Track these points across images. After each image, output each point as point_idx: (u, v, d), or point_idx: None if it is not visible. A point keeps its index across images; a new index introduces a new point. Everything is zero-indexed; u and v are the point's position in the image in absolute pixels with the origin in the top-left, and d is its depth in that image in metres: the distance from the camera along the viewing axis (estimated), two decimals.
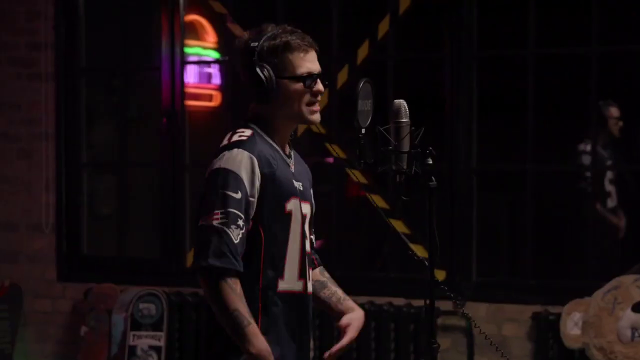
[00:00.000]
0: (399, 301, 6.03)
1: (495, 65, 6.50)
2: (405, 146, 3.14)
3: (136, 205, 7.33)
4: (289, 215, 3.08)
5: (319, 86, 3.13)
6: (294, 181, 3.12)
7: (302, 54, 3.08)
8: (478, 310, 5.87)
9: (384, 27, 6.14)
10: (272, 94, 3.05)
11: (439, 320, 5.92)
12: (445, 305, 5.97)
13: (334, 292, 3.29)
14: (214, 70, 8.07)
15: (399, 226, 6.12)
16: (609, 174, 7.05)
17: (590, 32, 5.75)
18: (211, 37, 7.97)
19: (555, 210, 7.26)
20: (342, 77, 6.24)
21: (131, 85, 7.41)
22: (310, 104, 3.12)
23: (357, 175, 5.90)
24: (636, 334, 5.09)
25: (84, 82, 6.86)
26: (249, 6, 6.63)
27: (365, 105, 3.19)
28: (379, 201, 6.07)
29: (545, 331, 5.70)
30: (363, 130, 3.16)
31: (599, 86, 5.81)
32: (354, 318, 3.24)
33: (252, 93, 3.08)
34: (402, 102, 3.16)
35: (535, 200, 5.98)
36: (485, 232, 6.24)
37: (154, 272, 6.56)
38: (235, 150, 2.99)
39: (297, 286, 3.10)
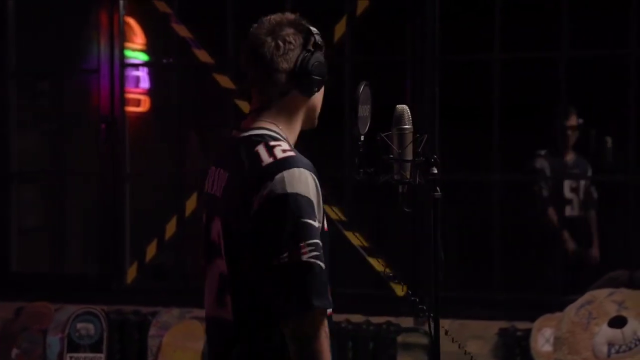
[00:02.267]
0: (357, 318, 5.95)
1: (459, 70, 6.47)
2: (408, 154, 3.07)
3: (68, 217, 7.13)
4: (327, 234, 2.85)
5: None
6: None
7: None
8: (440, 327, 5.80)
9: (340, 28, 6.07)
10: (320, 85, 2.87)
11: (400, 338, 5.86)
12: (406, 322, 5.92)
13: None
14: (143, 73, 7.91)
15: (356, 240, 6.05)
16: (571, 182, 7.07)
17: (559, 37, 5.76)
18: (140, 38, 7.81)
19: (518, 220, 7.26)
20: None
21: (59, 89, 7.20)
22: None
23: None
24: (613, 350, 5.08)
25: (13, 87, 6.66)
26: (195, 6, 6.48)
27: (364, 110, 3.09)
28: (331, 213, 5.99)
29: (513, 348, 5.67)
30: (362, 138, 3.07)
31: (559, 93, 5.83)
32: None
33: (293, 83, 2.81)
34: (404, 108, 3.08)
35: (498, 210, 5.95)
36: (449, 244, 6.20)
37: (92, 289, 6.39)
38: (296, 170, 2.70)
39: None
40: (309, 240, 2.64)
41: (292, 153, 2.74)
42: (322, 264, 2.65)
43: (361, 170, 3.08)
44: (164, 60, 6.71)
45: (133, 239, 6.48)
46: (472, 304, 5.91)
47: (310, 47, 2.83)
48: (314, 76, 2.83)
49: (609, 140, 8.35)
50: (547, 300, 5.82)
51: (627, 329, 5.08)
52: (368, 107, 3.09)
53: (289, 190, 2.66)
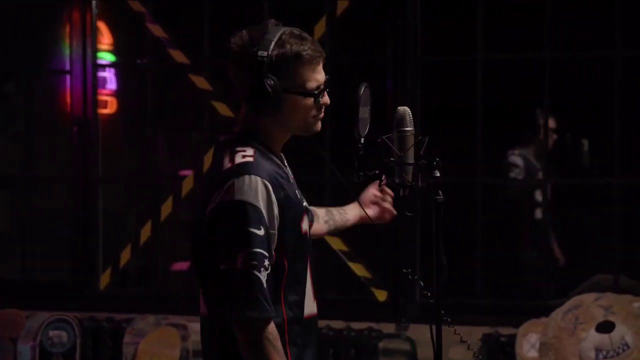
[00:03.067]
0: (338, 324, 5.92)
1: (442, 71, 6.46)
2: (410, 157, 3.04)
3: (38, 222, 7.05)
4: (304, 236, 2.93)
5: (326, 99, 2.98)
6: (297, 193, 2.97)
7: (313, 66, 2.90)
8: (423, 333, 5.77)
9: (320, 28, 6.04)
10: (277, 107, 2.87)
11: (381, 344, 5.84)
12: (387, 328, 5.90)
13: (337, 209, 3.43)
14: (110, 74, 7.83)
15: (336, 244, 6.02)
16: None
17: (542, 38, 5.77)
18: (106, 38, 7.73)
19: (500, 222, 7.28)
20: None
21: (28, 91, 7.12)
22: (315, 116, 2.97)
23: None
24: (600, 356, 5.08)
25: None
26: (170, 6, 6.43)
27: (365, 112, 3.08)
28: None
29: (497, 354, 5.66)
30: (362, 140, 3.05)
31: (535, 95, 5.84)
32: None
33: (251, 104, 2.87)
34: (406, 109, 3.05)
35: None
36: (429, 249, 6.17)
37: (64, 296, 6.31)
38: (247, 177, 2.77)
39: (314, 308, 2.98)
40: (248, 249, 2.71)
41: (250, 159, 2.80)
42: (258, 274, 2.72)
43: (361, 174, 3.06)
44: (138, 61, 6.62)
45: (105, 244, 6.41)
46: (455, 309, 5.87)
47: (262, 71, 2.81)
48: (261, 102, 2.83)
49: (585, 143, 8.37)
50: (531, 306, 5.82)
51: (615, 334, 5.09)
52: (368, 108, 3.09)
53: (237, 197, 2.75)
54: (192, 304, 6.20)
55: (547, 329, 5.30)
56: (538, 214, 7.07)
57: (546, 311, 5.59)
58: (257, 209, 2.75)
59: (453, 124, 6.72)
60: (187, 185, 6.26)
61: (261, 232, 2.74)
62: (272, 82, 2.81)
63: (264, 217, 2.76)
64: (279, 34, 2.85)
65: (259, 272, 2.72)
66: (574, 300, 5.36)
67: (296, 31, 2.91)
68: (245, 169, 2.78)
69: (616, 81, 5.74)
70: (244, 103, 2.91)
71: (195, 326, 5.90)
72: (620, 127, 5.77)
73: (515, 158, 7.15)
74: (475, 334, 5.74)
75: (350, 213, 3.44)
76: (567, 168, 7.79)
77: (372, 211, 3.42)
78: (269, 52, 2.81)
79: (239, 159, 2.81)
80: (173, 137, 7.91)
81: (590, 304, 5.26)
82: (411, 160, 3.03)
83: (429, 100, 5.94)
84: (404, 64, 5.86)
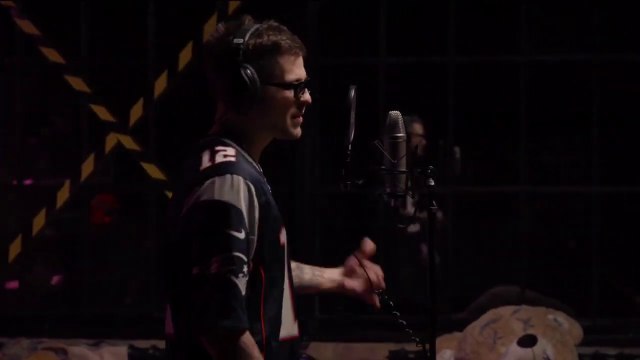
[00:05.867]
0: None
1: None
2: (402, 165, 2.98)
3: None
4: (283, 248, 2.83)
5: (307, 96, 2.90)
6: (277, 205, 2.88)
7: (292, 58, 2.84)
8: (324, 351, 5.76)
9: (210, 27, 5.94)
10: (254, 101, 2.79)
11: None
12: None
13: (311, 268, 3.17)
14: None
15: None
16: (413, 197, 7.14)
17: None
18: None
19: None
20: (161, 84, 5.96)
21: None
22: (295, 115, 2.89)
23: None
24: None
25: None
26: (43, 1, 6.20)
27: (352, 117, 3.01)
28: None
29: None
30: (349, 147, 2.98)
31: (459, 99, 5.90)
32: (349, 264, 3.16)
33: (227, 100, 2.81)
34: (399, 114, 3.00)
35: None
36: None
37: None
38: (229, 176, 2.69)
39: (294, 330, 2.86)
40: (226, 253, 2.63)
41: (232, 159, 2.73)
42: (235, 280, 2.62)
43: (348, 183, 2.99)
44: (6, 60, 6.34)
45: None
46: (358, 326, 5.89)
47: (238, 59, 2.76)
48: (239, 94, 2.78)
49: (457, 150, 8.47)
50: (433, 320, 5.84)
51: (537, 348, 5.14)
52: (354, 113, 3.02)
53: (216, 197, 2.66)
54: (72, 325, 6.10)
55: (463, 344, 5.33)
56: (412, 227, 7.10)
57: (450, 326, 5.63)
58: (238, 210, 2.66)
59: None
60: (62, 196, 6.03)
61: (242, 236, 2.65)
62: (249, 71, 2.76)
63: (245, 219, 2.67)
64: (256, 26, 2.82)
65: (237, 277, 2.62)
66: (491, 314, 5.40)
67: (274, 23, 2.87)
68: (227, 168, 2.71)
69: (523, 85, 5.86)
70: (221, 100, 2.84)
71: (76, 350, 5.70)
72: (527, 134, 5.88)
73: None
74: (380, 351, 5.74)
75: (327, 277, 3.18)
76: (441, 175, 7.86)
77: (357, 283, 3.18)
78: (245, 40, 2.76)
79: (219, 158, 2.73)
80: (46, 142, 7.61)
81: (509, 318, 5.32)
82: (403, 167, 2.98)
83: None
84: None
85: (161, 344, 5.65)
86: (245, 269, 2.65)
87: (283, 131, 2.88)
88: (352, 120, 3.00)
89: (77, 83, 6.04)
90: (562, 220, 7.43)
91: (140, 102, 5.97)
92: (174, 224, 2.74)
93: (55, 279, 7.09)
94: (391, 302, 3.21)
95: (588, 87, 5.84)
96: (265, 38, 2.80)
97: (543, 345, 5.18)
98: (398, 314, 3.18)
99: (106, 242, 6.73)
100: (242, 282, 2.64)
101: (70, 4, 6.06)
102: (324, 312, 5.90)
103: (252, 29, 2.80)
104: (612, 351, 5.75)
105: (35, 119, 6.53)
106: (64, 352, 5.75)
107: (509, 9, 5.94)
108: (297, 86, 2.85)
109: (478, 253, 7.12)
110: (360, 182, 2.99)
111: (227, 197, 2.66)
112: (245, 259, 2.65)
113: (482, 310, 5.67)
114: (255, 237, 2.70)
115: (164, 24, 6.01)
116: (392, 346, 5.75)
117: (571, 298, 6.03)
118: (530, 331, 5.25)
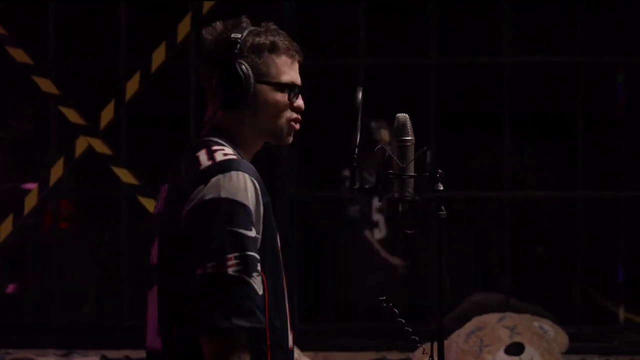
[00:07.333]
0: None
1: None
2: (411, 169, 2.96)
3: None
4: (279, 255, 2.78)
5: (301, 102, 2.87)
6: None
7: (289, 60, 2.83)
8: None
9: (184, 28, 5.90)
10: (247, 98, 2.77)
11: None
12: None
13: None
14: None
15: None
16: (376, 203, 7.13)
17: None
18: None
19: None
20: (133, 86, 5.90)
21: None
22: (289, 120, 2.85)
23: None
24: None
25: None
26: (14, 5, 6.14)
27: (359, 120, 2.98)
28: None
29: None
30: (357, 150, 2.95)
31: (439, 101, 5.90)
32: None
33: (220, 97, 2.77)
34: (406, 117, 2.98)
35: None
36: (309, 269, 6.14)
37: None
38: (234, 173, 2.64)
39: (290, 341, 2.82)
40: (238, 252, 2.59)
41: (233, 157, 2.70)
42: (251, 280, 2.58)
43: (355, 187, 2.96)
44: None
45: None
46: (337, 334, 5.87)
47: (234, 53, 2.75)
48: (233, 89, 2.76)
49: (428, 154, 8.47)
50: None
51: (525, 355, 5.14)
52: (360, 115, 2.99)
53: (223, 195, 2.62)
54: (42, 335, 6.01)
55: (448, 353, 5.31)
56: (378, 233, 7.09)
57: (430, 334, 5.62)
58: (246, 207, 2.62)
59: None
60: (30, 201, 5.94)
61: (252, 234, 2.61)
62: (244, 67, 2.74)
63: (253, 217, 2.63)
64: (253, 26, 2.81)
65: (250, 277, 2.58)
66: (476, 321, 5.39)
67: (273, 26, 2.85)
68: (230, 165, 2.67)
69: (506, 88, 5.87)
70: (212, 98, 2.80)
71: None
72: (510, 137, 5.89)
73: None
74: None
75: None
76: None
77: None
78: (243, 36, 2.75)
79: (219, 156, 2.70)
80: (14, 145, 7.53)
81: (495, 325, 5.30)
82: (412, 172, 2.96)
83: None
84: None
85: (134, 354, 5.63)
86: (258, 267, 2.61)
87: (275, 135, 2.84)
88: (360, 123, 2.99)
89: (45, 84, 5.97)
90: (535, 226, 7.46)
91: (112, 104, 5.92)
92: (170, 227, 2.69)
93: (11, 288, 7.02)
94: (395, 310, 3.19)
95: (572, 90, 5.87)
96: (264, 37, 2.79)
97: (530, 353, 5.18)
98: (404, 321, 3.15)
99: (67, 249, 6.64)
100: (257, 282, 2.60)
101: (38, 2, 5.99)
102: (302, 322, 5.86)
103: (251, 28, 2.80)
104: (597, 359, 5.77)
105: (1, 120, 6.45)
106: None
107: (492, 10, 5.95)
108: (291, 89, 2.82)
109: (457, 259, 7.12)
110: (368, 186, 2.99)
111: (233, 194, 2.62)
112: (258, 257, 2.61)
113: (462, 318, 5.68)
114: (260, 237, 2.67)
115: (136, 24, 5.96)
116: (372, 355, 5.74)
117: (554, 305, 6.05)
118: (517, 339, 5.25)
